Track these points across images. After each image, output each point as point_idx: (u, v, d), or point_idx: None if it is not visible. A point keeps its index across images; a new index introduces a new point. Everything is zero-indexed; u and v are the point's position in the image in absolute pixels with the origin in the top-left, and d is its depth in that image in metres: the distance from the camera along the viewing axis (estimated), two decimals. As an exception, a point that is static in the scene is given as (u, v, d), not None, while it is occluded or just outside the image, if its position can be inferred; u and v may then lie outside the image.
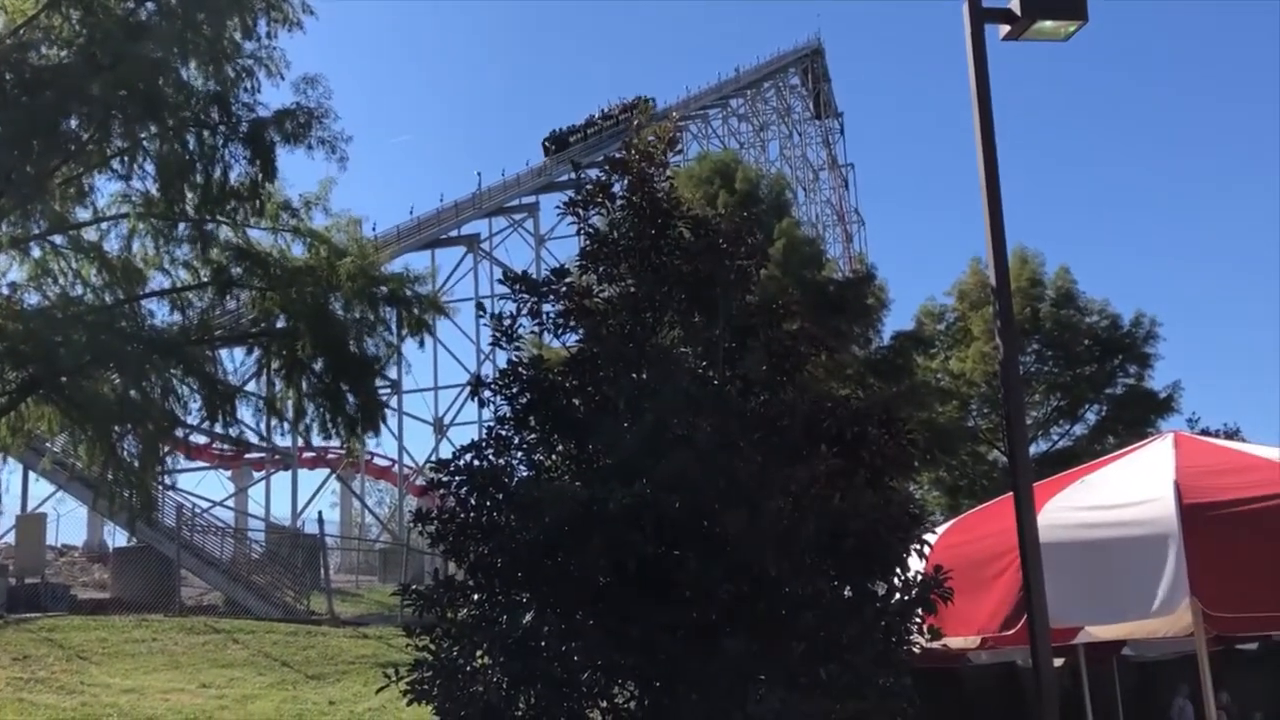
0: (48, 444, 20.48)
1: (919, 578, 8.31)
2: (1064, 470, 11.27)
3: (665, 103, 70.43)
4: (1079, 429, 36.31)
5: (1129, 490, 8.81)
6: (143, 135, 16.72)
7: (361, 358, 17.83)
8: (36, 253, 17.40)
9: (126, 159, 17.16)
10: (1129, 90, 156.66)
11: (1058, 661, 10.24)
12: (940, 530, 10.04)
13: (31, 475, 35.02)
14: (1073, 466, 12.07)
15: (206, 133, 16.73)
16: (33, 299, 17.41)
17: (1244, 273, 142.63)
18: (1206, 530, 7.98)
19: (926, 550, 8.63)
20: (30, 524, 34.43)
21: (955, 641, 9.01)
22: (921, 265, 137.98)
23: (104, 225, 17.80)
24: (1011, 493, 8.38)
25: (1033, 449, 32.90)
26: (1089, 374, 35.39)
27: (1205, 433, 29.51)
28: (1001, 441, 32.51)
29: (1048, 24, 8.86)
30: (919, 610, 8.24)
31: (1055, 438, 36.34)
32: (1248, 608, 8.21)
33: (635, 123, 10.25)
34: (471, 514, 8.37)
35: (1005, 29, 8.85)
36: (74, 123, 16.42)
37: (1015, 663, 13.22)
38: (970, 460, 34.94)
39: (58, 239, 17.51)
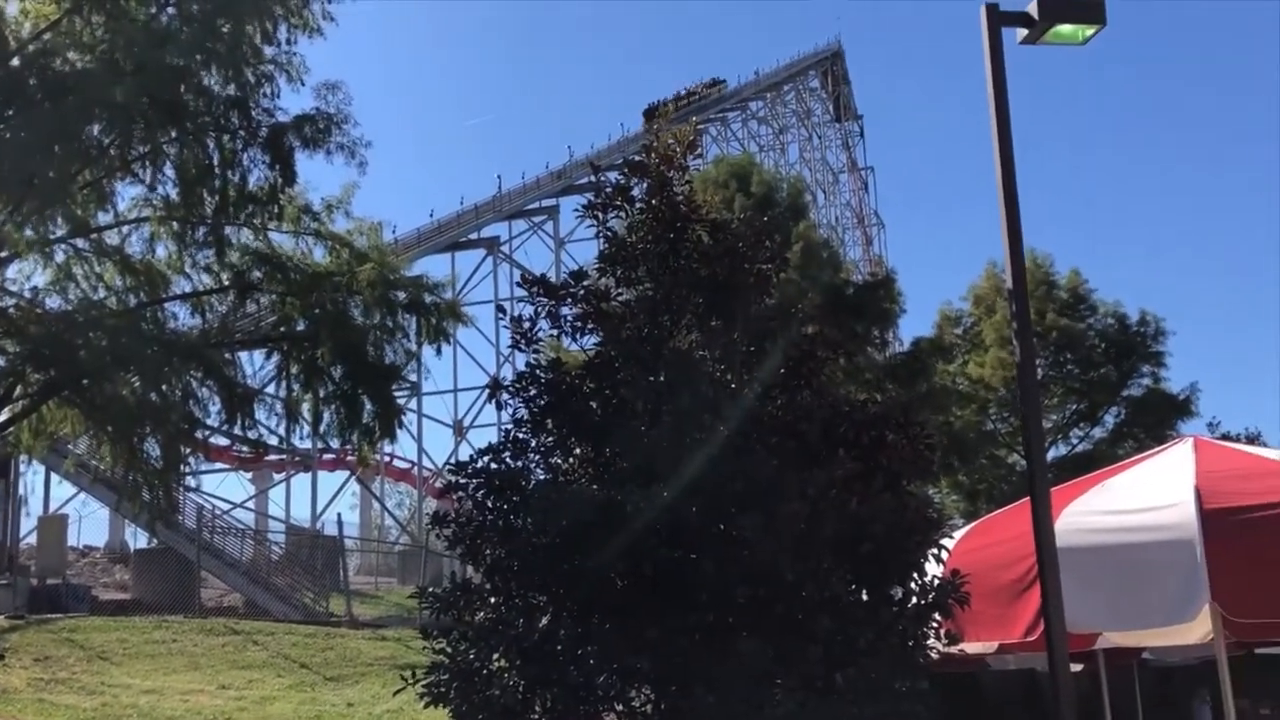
0: (70, 446, 20.56)
1: (936, 582, 8.29)
2: (1083, 474, 11.20)
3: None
4: (1098, 433, 36.10)
5: (1149, 495, 8.72)
6: (163, 140, 16.82)
7: (380, 364, 17.87)
8: (59, 257, 17.50)
9: (148, 164, 17.26)
10: (1143, 88, 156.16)
11: (1077, 667, 10.17)
12: (958, 535, 10.00)
13: (54, 477, 35.29)
14: (1092, 471, 11.98)
15: (226, 138, 16.81)
16: (54, 302, 17.51)
17: (1265, 275, 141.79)
18: (1227, 536, 7.89)
19: (944, 555, 8.61)
20: (52, 525, 34.65)
21: (973, 647, 8.98)
22: (941, 267, 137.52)
23: (125, 229, 17.92)
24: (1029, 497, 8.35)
25: (1051, 453, 32.75)
26: (1104, 376, 35.15)
27: (1226, 437, 29.28)
28: (1020, 445, 32.30)
29: (1065, 28, 8.81)
30: (936, 614, 8.22)
31: (1074, 441, 36.12)
32: (1270, 613, 8.13)
33: (654, 126, 10.23)
34: (489, 517, 8.40)
35: (1023, 33, 8.82)
36: (96, 128, 16.49)
37: (1035, 670, 13.14)
38: (989, 464, 34.72)
39: (80, 243, 17.60)
